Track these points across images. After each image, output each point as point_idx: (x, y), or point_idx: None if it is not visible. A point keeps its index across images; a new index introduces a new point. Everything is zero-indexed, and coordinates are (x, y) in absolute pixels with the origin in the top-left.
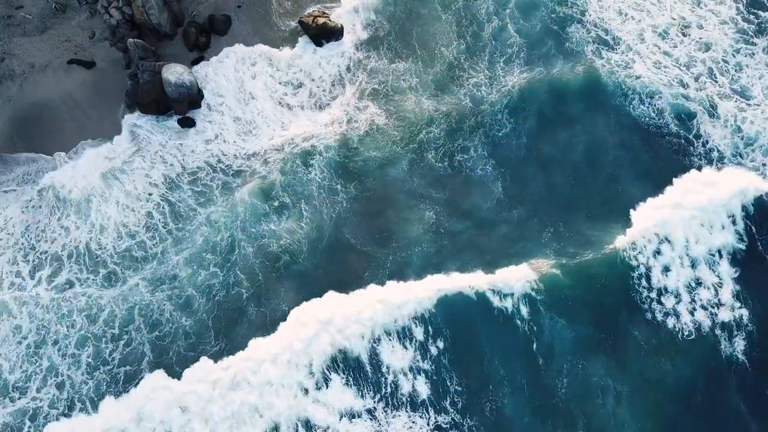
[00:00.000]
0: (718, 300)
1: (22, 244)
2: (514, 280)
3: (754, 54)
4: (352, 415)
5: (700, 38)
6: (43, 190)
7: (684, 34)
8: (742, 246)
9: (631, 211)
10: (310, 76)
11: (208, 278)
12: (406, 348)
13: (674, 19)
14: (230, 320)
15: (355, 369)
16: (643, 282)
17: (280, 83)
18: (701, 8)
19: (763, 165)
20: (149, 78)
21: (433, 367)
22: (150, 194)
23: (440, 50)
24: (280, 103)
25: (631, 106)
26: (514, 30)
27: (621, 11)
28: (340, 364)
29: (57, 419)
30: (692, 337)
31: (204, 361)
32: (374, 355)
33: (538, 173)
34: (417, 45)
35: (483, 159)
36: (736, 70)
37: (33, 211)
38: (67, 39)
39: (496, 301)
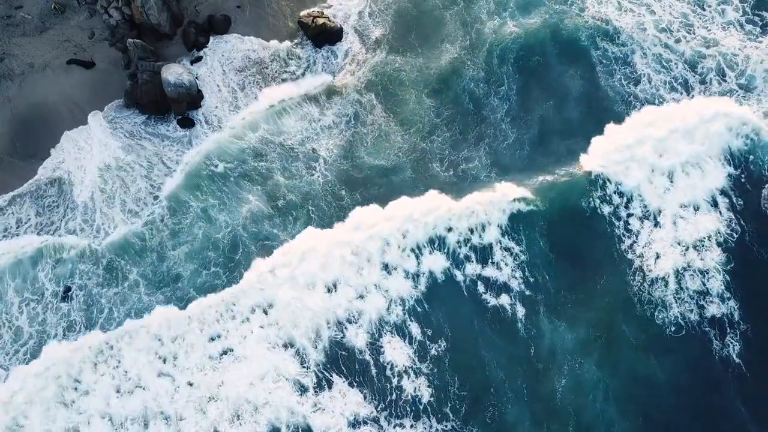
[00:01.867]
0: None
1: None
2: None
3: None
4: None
5: (704, 37)
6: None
7: (689, 32)
8: None
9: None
10: (308, 77)
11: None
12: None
13: (675, 18)
14: None
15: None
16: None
17: (276, 84)
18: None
19: None
20: (149, 78)
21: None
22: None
23: (441, 48)
24: (276, 104)
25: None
26: (514, 24)
27: (620, 5)
28: (343, 367)
29: None
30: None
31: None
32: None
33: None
34: (417, 45)
35: (486, 166)
36: (743, 64)
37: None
38: (67, 39)
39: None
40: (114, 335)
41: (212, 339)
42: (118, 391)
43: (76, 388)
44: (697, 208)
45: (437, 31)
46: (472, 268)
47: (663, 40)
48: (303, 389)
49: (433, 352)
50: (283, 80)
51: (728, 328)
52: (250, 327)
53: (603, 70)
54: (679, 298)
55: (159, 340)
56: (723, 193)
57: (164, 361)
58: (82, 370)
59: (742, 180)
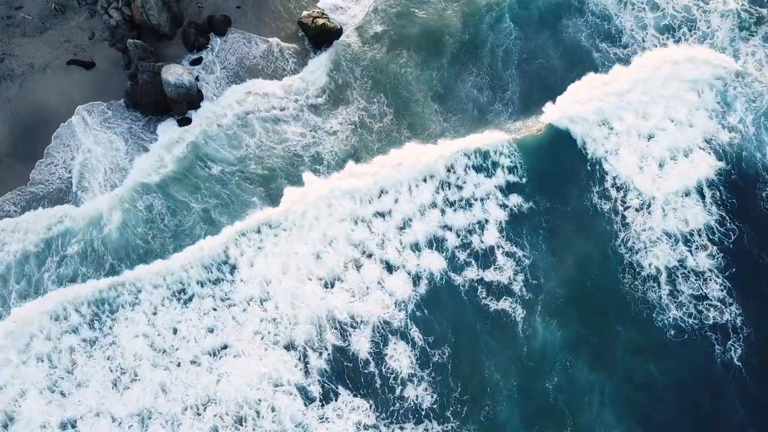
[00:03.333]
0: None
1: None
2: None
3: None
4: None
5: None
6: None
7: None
8: None
9: None
10: (309, 78)
11: None
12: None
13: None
14: None
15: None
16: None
17: (275, 86)
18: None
19: None
20: (149, 78)
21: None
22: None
23: (442, 46)
24: (276, 105)
25: None
26: (510, 17)
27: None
28: (344, 372)
29: None
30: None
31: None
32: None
33: None
34: (418, 44)
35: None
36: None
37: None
38: (67, 39)
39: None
40: (109, 283)
41: (210, 330)
42: (115, 386)
43: (69, 379)
44: (687, 194)
45: (439, 28)
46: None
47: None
48: (306, 397)
49: (434, 353)
50: (283, 80)
51: (731, 333)
52: (247, 318)
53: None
54: (676, 301)
55: (154, 327)
56: (713, 185)
57: (163, 352)
58: (76, 362)
59: (733, 177)
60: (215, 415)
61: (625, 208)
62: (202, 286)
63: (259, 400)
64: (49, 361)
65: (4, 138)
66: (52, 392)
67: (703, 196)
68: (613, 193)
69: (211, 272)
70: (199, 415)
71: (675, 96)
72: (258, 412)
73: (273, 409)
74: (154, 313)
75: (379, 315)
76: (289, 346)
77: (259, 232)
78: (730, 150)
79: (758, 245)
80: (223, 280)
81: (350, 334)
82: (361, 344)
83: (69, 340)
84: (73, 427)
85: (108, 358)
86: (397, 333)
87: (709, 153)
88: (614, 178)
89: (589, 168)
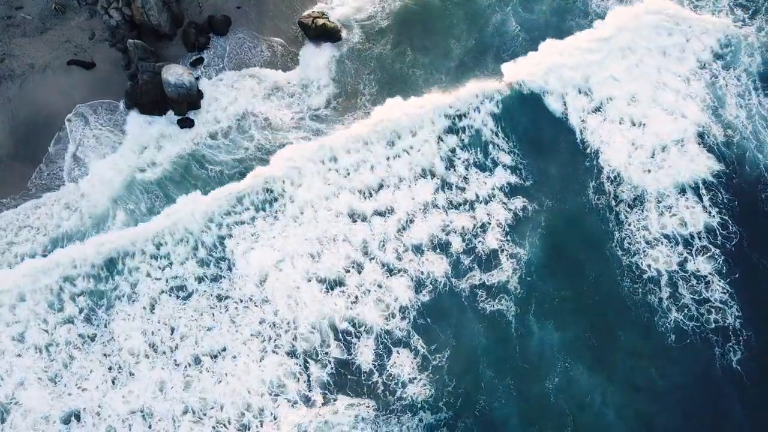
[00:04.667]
0: None
1: None
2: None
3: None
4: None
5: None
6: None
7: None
8: None
9: None
10: (310, 79)
11: None
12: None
13: None
14: None
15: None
16: None
17: (275, 88)
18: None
19: None
20: (149, 78)
21: None
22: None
23: (446, 46)
24: (277, 108)
25: None
26: (516, 21)
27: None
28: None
29: None
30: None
31: None
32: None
33: None
34: (424, 45)
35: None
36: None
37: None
38: (67, 40)
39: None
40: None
41: (209, 329)
42: (114, 383)
43: (69, 370)
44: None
45: (442, 27)
46: (472, 271)
47: None
48: (308, 403)
49: (434, 356)
50: (283, 80)
51: (732, 336)
52: (246, 319)
53: None
54: (677, 304)
55: (151, 324)
56: (711, 187)
57: (162, 353)
58: (74, 357)
59: (734, 180)
60: (216, 420)
61: (618, 203)
62: (199, 282)
63: (262, 410)
64: (47, 352)
65: (4, 139)
66: (55, 384)
67: (700, 196)
68: (608, 186)
69: (209, 267)
70: (200, 419)
71: (664, 85)
72: (261, 422)
73: (275, 418)
74: (152, 310)
75: (381, 323)
76: (291, 352)
77: (253, 223)
78: (729, 151)
79: (759, 247)
80: (221, 276)
81: (354, 345)
82: (364, 355)
83: (66, 334)
84: (78, 419)
85: (105, 355)
86: (400, 342)
87: (697, 140)
88: (609, 172)
89: (583, 156)
